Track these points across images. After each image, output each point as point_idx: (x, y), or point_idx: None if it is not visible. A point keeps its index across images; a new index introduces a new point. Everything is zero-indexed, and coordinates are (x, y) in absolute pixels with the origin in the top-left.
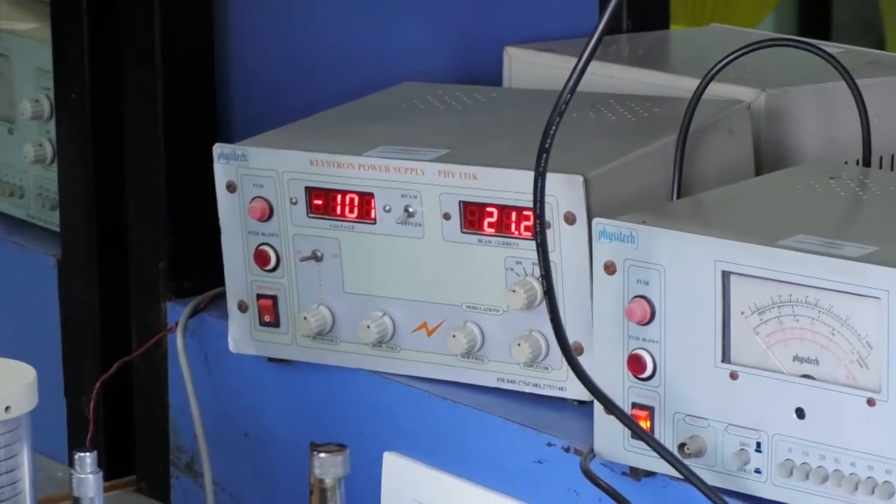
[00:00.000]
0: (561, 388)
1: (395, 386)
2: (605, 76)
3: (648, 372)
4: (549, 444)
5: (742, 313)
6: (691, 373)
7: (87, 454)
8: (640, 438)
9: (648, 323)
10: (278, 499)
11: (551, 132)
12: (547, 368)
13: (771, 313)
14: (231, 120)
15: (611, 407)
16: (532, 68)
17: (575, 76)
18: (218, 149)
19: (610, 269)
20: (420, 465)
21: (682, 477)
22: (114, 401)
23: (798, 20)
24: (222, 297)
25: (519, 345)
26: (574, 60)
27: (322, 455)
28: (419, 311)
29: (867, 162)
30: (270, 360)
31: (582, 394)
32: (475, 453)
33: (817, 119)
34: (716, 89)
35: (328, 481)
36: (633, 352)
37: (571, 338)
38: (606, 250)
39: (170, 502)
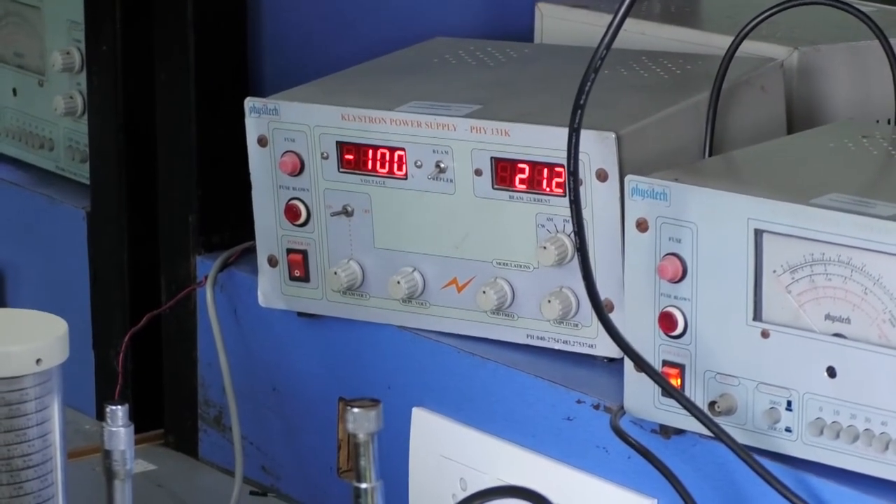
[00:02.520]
0: (591, 346)
1: (423, 342)
2: (637, 33)
3: (679, 329)
4: (579, 402)
5: (774, 271)
6: (722, 331)
7: (119, 407)
8: (671, 396)
9: (680, 280)
10: (306, 453)
11: (586, 89)
12: (577, 325)
13: (803, 272)
14: (262, 73)
15: (641, 364)
16: (564, 24)
17: (611, 32)
18: (250, 102)
19: (642, 226)
20: (448, 420)
21: (711, 435)
22: (142, 354)
23: None
24: (252, 251)
25: (549, 301)
26: (607, 16)
27: (356, 410)
28: (449, 267)
29: None
30: (300, 314)
31: (612, 351)
32: (504, 410)
33: (849, 77)
34: (748, 47)
35: (361, 436)
36: (665, 309)
37: (602, 295)
38: (639, 207)
39: (198, 456)
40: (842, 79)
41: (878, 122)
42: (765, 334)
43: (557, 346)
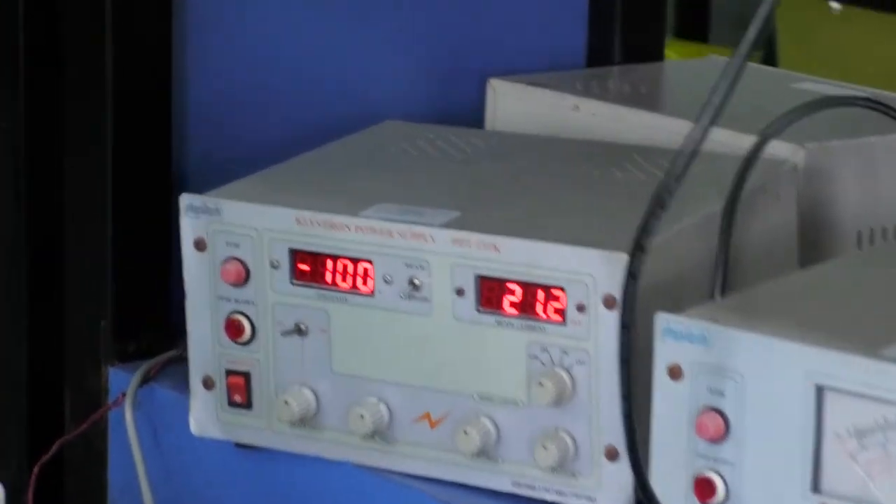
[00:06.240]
0: (591, 499)
1: (388, 484)
2: (610, 118)
3: (719, 498)
4: None
5: (838, 435)
6: (773, 503)
7: None
8: None
9: (722, 440)
10: None
11: (663, 202)
12: (574, 475)
13: (874, 438)
14: (186, 157)
15: None
16: (520, 105)
17: (706, 121)
18: (186, 200)
19: (675, 373)
20: None
21: None
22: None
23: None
24: (175, 362)
25: (545, 447)
26: (569, 97)
27: None
28: (422, 398)
29: None
30: (238, 445)
31: None
32: None
33: (858, 178)
34: (739, 141)
35: None
36: (702, 474)
37: (605, 440)
38: (671, 351)
39: None
40: (851, 180)
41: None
42: None
43: (549, 497)
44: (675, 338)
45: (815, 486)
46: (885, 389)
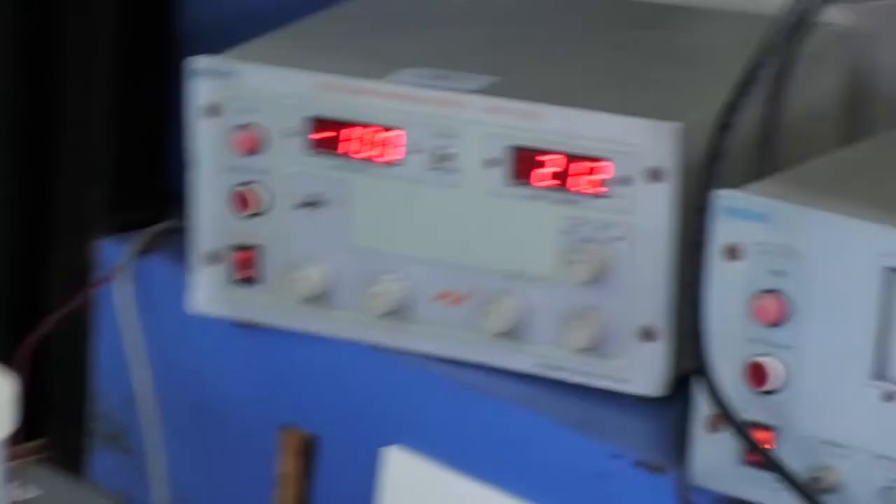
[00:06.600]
0: (623, 381)
1: (403, 364)
2: None
3: (776, 384)
4: (615, 456)
5: None
6: (832, 389)
7: None
8: (766, 467)
9: (780, 324)
10: (233, 490)
11: (754, 78)
12: (605, 356)
13: None
14: (185, 21)
15: (738, 429)
16: None
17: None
18: (199, 62)
19: (734, 253)
20: (435, 466)
21: None
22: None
23: None
24: (171, 233)
25: (576, 328)
26: None
27: None
28: (443, 275)
29: None
30: (240, 324)
31: (650, 388)
32: (510, 457)
33: None
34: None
35: None
36: (758, 358)
37: (643, 320)
38: (729, 230)
39: (86, 477)
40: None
41: None
42: (890, 397)
43: (576, 379)
44: (734, 216)
45: (879, 373)
46: None
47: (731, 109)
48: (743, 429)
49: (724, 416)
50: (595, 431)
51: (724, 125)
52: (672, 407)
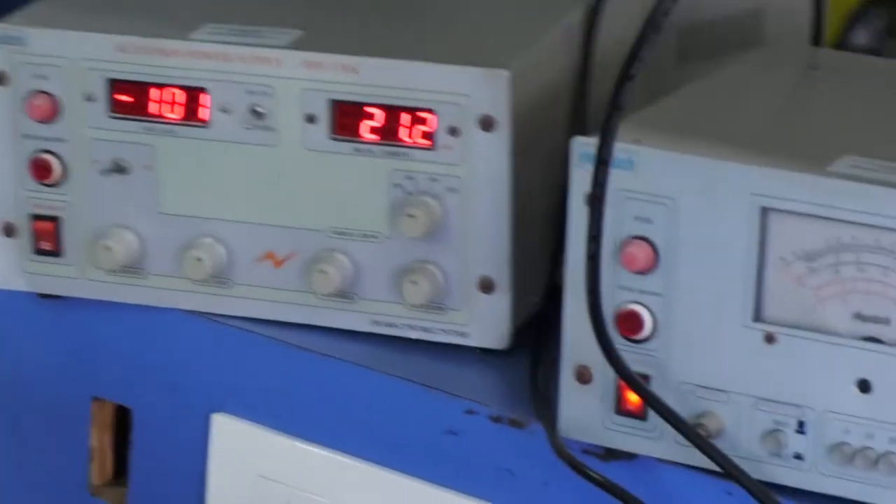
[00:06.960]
0: (462, 334)
1: (225, 330)
2: None
3: (646, 332)
4: (470, 412)
5: (783, 260)
6: (708, 334)
7: None
8: (654, 408)
9: (649, 271)
10: (44, 467)
11: (658, 26)
12: (442, 310)
13: (825, 260)
14: None
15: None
16: None
17: None
18: None
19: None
20: (266, 431)
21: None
22: None
23: None
24: None
25: (414, 282)
26: None
27: None
28: (264, 236)
29: (816, 39)
30: (43, 295)
31: (489, 340)
32: (350, 418)
33: None
34: None
35: None
36: (626, 307)
37: (479, 271)
38: (590, 177)
39: None
40: None
41: None
42: (770, 338)
43: (414, 335)
44: (594, 162)
45: (757, 315)
46: (836, 209)
47: (634, 59)
48: (626, 370)
49: (610, 361)
50: (443, 388)
51: (626, 76)
52: (513, 359)
